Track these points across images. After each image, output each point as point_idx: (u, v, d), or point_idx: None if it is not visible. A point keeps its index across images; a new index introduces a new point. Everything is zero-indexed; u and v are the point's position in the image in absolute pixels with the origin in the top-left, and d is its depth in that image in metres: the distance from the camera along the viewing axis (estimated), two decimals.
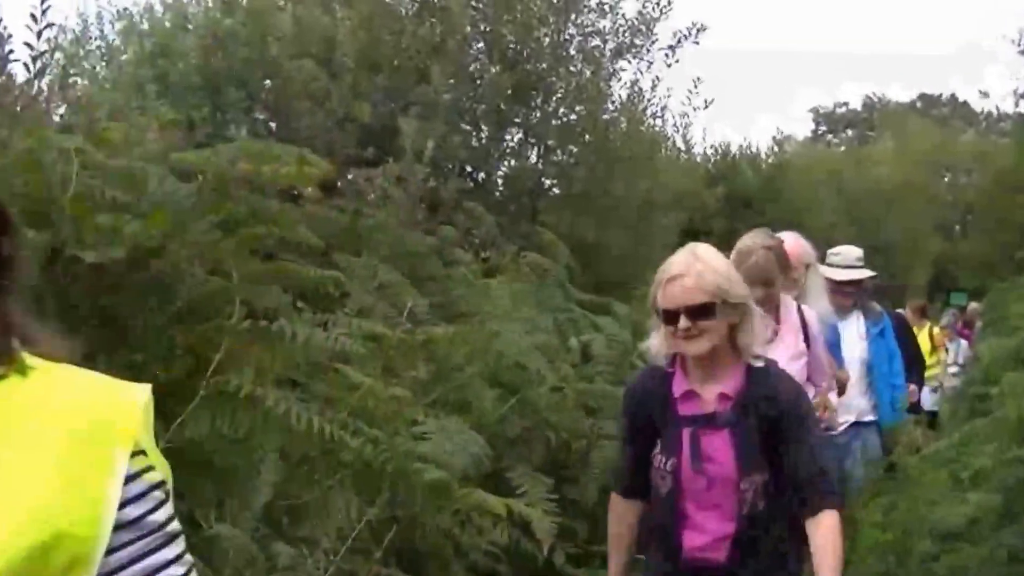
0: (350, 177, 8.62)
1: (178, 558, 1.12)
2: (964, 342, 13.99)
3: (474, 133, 11.23)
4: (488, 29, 11.17)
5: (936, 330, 12.83)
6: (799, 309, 4.28)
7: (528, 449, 5.28)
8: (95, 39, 11.60)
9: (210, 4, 11.20)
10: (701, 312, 2.93)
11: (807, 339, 4.25)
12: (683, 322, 2.92)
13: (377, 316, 5.41)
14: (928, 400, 11.38)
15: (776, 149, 20.95)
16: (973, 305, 16.78)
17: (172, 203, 3.85)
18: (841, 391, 4.97)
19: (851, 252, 6.21)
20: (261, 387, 3.59)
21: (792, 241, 4.79)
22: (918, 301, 13.84)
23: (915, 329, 12.43)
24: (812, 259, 5.03)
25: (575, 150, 11.71)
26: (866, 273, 6.21)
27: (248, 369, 3.73)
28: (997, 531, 4.37)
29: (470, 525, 4.34)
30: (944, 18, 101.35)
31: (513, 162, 11.46)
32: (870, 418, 5.87)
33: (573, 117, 11.60)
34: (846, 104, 54.41)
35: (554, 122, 11.46)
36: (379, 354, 4.92)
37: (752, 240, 4.16)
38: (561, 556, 4.66)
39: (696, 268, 2.95)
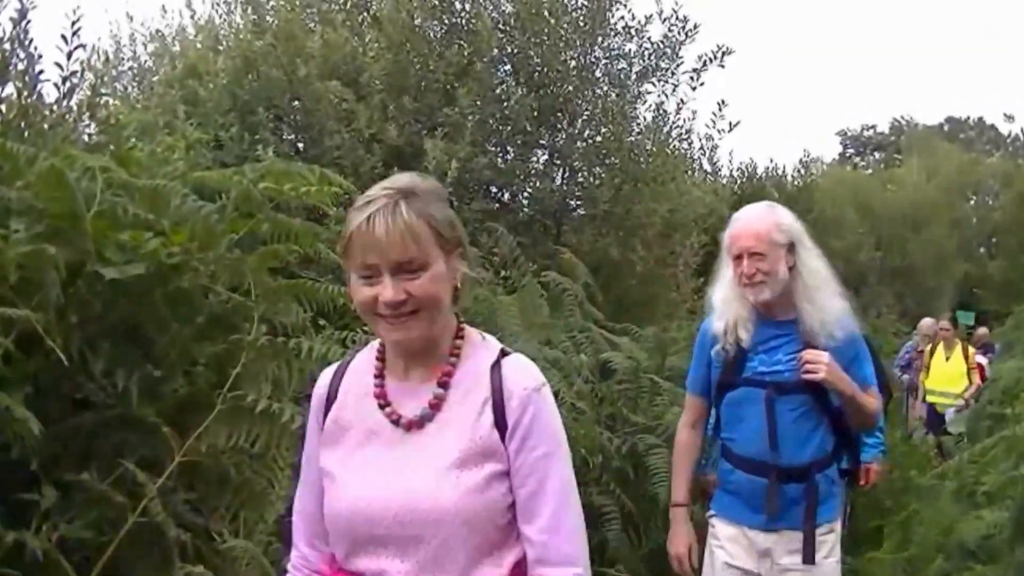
0: None
1: None
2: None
3: (500, 154, 11.29)
4: (515, 51, 11.22)
5: (971, 349, 12.02)
6: (497, 365, 2.09)
7: None
8: (127, 60, 11.77)
9: (241, 26, 11.35)
10: None
11: (502, 430, 2.03)
12: None
13: None
14: (954, 424, 11.18)
15: (803, 171, 20.84)
16: (983, 329, 16.21)
17: (194, 221, 3.93)
18: None
19: None
20: (278, 402, 3.65)
21: (763, 213, 3.66)
22: (945, 314, 13.07)
23: (942, 347, 11.95)
24: (799, 235, 3.66)
25: (600, 172, 11.74)
26: None
27: (265, 384, 3.79)
28: (1010, 548, 4.33)
29: None
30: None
31: (538, 183, 11.50)
32: None
33: (599, 139, 11.64)
34: (873, 127, 54.31)
35: (579, 144, 11.48)
36: None
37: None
38: None
39: None
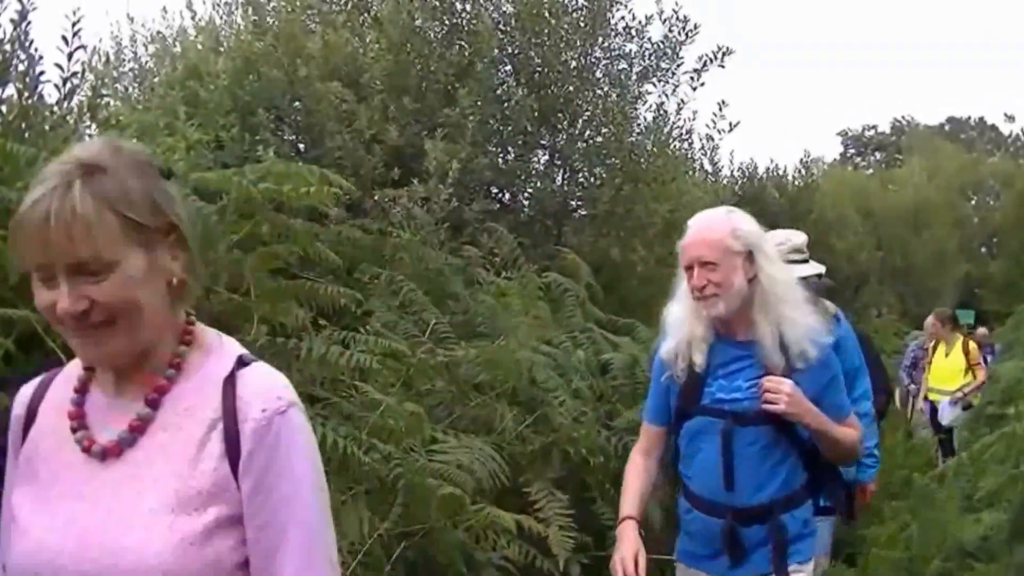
0: (376, 198, 8.70)
1: None
2: None
3: (501, 155, 11.28)
4: (516, 52, 11.22)
5: (972, 345, 11.52)
6: (231, 378, 1.60)
7: (546, 465, 5.32)
8: (128, 61, 11.78)
9: (242, 27, 11.36)
10: None
11: (235, 463, 1.55)
12: None
13: (399, 334, 5.48)
14: (947, 415, 11.07)
15: (804, 171, 20.83)
16: (983, 329, 15.94)
17: (194, 222, 3.93)
18: None
19: (787, 240, 4.50)
20: None
21: (718, 218, 3.24)
22: (944, 310, 12.61)
23: (943, 343, 11.77)
24: (759, 242, 3.22)
25: (601, 172, 11.74)
26: (809, 270, 4.46)
27: None
28: (1008, 549, 4.32)
29: (484, 540, 4.39)
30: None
31: (539, 183, 11.49)
32: None
33: (599, 139, 11.63)
34: (875, 127, 54.41)
35: (580, 144, 11.47)
36: (399, 371, 4.99)
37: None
38: (576, 568, 4.70)
39: None
